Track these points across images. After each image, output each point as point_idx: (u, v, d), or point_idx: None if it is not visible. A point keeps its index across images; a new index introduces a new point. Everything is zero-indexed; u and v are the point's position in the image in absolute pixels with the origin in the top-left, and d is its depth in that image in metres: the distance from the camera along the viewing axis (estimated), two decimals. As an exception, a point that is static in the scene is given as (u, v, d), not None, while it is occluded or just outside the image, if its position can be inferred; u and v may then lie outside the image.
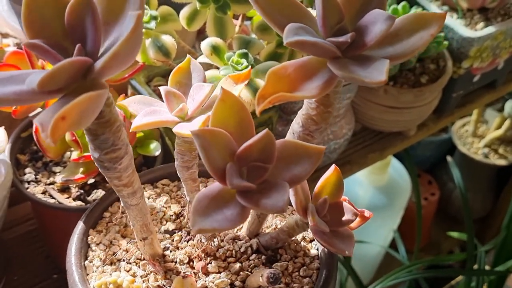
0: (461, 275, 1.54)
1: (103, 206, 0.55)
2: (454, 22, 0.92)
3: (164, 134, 0.70)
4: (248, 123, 0.40)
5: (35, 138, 0.58)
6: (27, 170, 0.67)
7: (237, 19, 0.71)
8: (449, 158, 1.43)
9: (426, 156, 1.80)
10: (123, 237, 0.53)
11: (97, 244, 0.52)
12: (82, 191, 0.65)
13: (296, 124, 0.46)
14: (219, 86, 0.48)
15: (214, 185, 0.38)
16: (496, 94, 1.12)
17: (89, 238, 0.52)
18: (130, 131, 0.48)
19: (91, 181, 0.66)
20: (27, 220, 0.78)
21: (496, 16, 0.95)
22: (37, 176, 0.67)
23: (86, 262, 0.50)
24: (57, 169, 0.68)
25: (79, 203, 0.64)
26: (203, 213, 0.36)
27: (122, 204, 0.47)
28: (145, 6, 0.62)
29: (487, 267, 1.32)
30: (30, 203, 0.69)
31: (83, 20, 0.35)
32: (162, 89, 0.47)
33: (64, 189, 0.66)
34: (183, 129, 0.44)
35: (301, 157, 0.40)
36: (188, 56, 0.49)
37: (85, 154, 0.58)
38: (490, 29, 0.92)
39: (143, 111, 0.46)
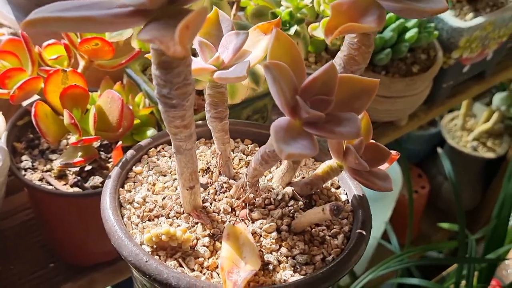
0: (452, 264, 1.56)
1: (128, 165, 0.54)
2: (444, 12, 0.94)
3: (160, 121, 0.70)
4: (300, 60, 0.41)
5: (34, 123, 0.58)
6: (24, 157, 0.68)
7: (232, 8, 0.71)
8: (439, 150, 1.45)
9: (416, 150, 1.82)
10: (156, 194, 0.52)
11: (130, 203, 0.51)
12: (79, 177, 0.65)
13: (337, 66, 0.47)
14: (248, 37, 0.48)
15: (282, 119, 0.39)
16: (485, 85, 1.14)
17: (121, 197, 0.51)
18: None
19: (88, 168, 0.66)
20: (23, 210, 0.78)
21: (485, 7, 0.97)
22: (34, 164, 0.67)
23: (125, 219, 0.49)
24: (53, 156, 0.68)
25: (76, 189, 0.64)
26: (284, 141, 0.37)
27: (173, 150, 0.46)
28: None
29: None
30: (27, 191, 0.69)
31: None
32: (195, 40, 0.46)
33: (61, 176, 0.66)
34: (225, 75, 0.44)
35: (358, 91, 0.42)
36: (215, 7, 0.49)
37: (84, 137, 0.59)
38: (479, 20, 0.93)
39: None
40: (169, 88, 0.39)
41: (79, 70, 0.64)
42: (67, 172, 0.66)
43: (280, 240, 0.47)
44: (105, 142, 0.69)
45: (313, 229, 0.48)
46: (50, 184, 0.65)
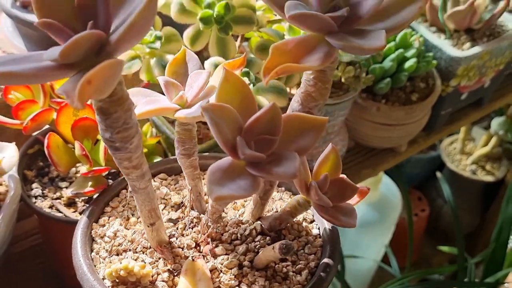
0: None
1: (104, 200, 0.56)
2: (442, 42, 0.96)
3: (167, 150, 0.72)
4: (250, 100, 0.41)
5: (47, 153, 0.60)
6: (34, 185, 0.70)
7: (236, 40, 0.74)
8: (438, 174, 1.46)
9: (416, 173, 1.84)
10: (127, 229, 0.53)
11: (101, 237, 0.53)
12: (88, 205, 0.67)
13: (295, 103, 0.47)
14: (215, 74, 0.49)
15: (225, 159, 0.39)
16: (482, 111, 1.16)
17: (93, 231, 0.53)
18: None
19: (97, 195, 0.68)
20: (32, 235, 0.80)
21: (482, 37, 0.99)
22: (44, 191, 0.69)
23: (93, 254, 0.51)
24: (63, 184, 0.70)
25: (85, 216, 0.66)
26: (218, 182, 0.37)
27: (129, 189, 0.47)
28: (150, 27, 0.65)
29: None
30: (37, 218, 0.70)
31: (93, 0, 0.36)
32: (160, 79, 0.48)
33: (70, 203, 0.68)
34: (184, 114, 0.45)
35: (305, 129, 0.42)
36: (183, 47, 0.51)
37: (95, 168, 0.60)
38: (477, 49, 0.95)
39: (144, 100, 0.47)
40: (110, 132, 0.40)
41: (89, 103, 0.66)
42: (76, 200, 0.68)
43: (240, 276, 0.48)
44: (113, 170, 0.71)
45: (277, 265, 0.49)
46: (60, 212, 0.67)
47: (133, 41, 0.35)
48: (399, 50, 0.89)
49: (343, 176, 0.49)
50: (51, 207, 0.67)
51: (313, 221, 0.55)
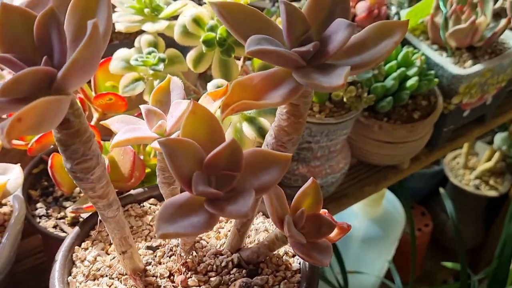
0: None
1: (90, 224, 0.56)
2: (443, 60, 0.97)
3: (170, 169, 0.73)
4: (218, 134, 0.40)
5: (50, 174, 0.61)
6: (39, 205, 0.70)
7: (239, 59, 0.74)
8: (441, 190, 1.46)
9: (419, 188, 1.84)
10: (108, 254, 0.54)
11: (82, 261, 0.53)
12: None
13: (269, 136, 0.46)
14: (201, 101, 0.49)
15: (183, 194, 0.38)
16: (485, 128, 1.16)
17: (74, 255, 0.53)
18: (110, 147, 0.49)
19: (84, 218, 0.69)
20: (35, 254, 0.81)
21: (483, 54, 1.00)
22: (48, 211, 0.70)
23: (70, 278, 0.51)
24: (67, 203, 0.71)
25: (89, 236, 0.67)
26: (168, 219, 0.36)
27: (99, 218, 0.47)
28: (154, 49, 0.65)
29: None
30: (41, 237, 0.71)
31: (50, 34, 0.37)
32: (142, 107, 0.48)
33: (74, 223, 0.69)
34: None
35: (269, 165, 0.40)
36: (168, 75, 0.51)
37: (98, 189, 0.61)
38: (478, 67, 0.96)
39: (124, 128, 0.47)
40: (71, 163, 0.41)
41: (92, 123, 0.67)
42: (80, 219, 0.69)
43: None
44: (116, 190, 0.71)
45: None
46: (64, 231, 0.67)
47: (80, 78, 0.35)
48: (401, 68, 0.90)
49: (324, 211, 0.48)
50: (55, 226, 0.68)
51: (295, 255, 0.53)
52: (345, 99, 0.79)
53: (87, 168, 0.41)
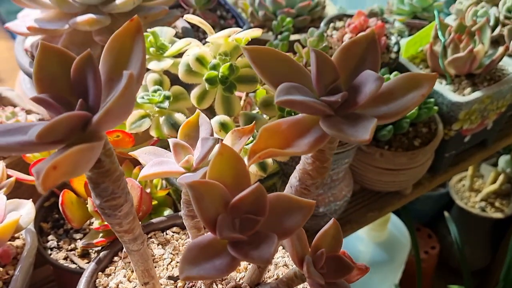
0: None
1: (114, 250, 0.58)
2: (443, 88, 0.99)
3: (177, 202, 0.75)
4: (244, 176, 0.40)
5: (61, 209, 0.64)
6: (50, 237, 0.73)
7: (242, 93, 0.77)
8: (446, 214, 1.47)
9: (425, 210, 1.85)
10: (130, 281, 0.55)
11: (105, 287, 0.54)
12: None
13: (293, 178, 0.47)
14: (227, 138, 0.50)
15: (207, 235, 0.39)
16: (487, 152, 1.18)
17: (97, 280, 0.55)
18: (138, 180, 0.50)
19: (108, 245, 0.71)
20: (46, 284, 0.83)
21: (482, 81, 1.01)
22: (59, 243, 0.72)
23: None
24: (77, 236, 0.73)
25: (98, 268, 0.69)
26: (192, 261, 0.37)
27: (124, 250, 0.49)
28: (159, 87, 0.68)
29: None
30: (52, 268, 0.73)
31: (86, 77, 0.37)
32: (170, 141, 0.49)
33: (84, 255, 0.71)
34: (185, 180, 0.44)
35: (293, 210, 0.40)
36: (197, 110, 0.52)
37: (106, 223, 0.63)
38: (477, 94, 0.97)
39: (151, 161, 0.49)
40: (100, 200, 0.42)
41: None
42: (90, 251, 0.71)
43: None
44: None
45: None
46: (74, 263, 0.70)
47: (114, 123, 0.36)
48: (401, 97, 0.92)
49: (343, 251, 0.49)
50: (65, 258, 0.70)
51: None
52: (345, 130, 0.81)
53: (115, 205, 0.42)
